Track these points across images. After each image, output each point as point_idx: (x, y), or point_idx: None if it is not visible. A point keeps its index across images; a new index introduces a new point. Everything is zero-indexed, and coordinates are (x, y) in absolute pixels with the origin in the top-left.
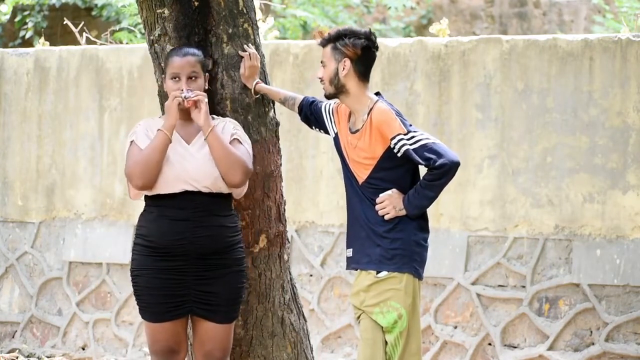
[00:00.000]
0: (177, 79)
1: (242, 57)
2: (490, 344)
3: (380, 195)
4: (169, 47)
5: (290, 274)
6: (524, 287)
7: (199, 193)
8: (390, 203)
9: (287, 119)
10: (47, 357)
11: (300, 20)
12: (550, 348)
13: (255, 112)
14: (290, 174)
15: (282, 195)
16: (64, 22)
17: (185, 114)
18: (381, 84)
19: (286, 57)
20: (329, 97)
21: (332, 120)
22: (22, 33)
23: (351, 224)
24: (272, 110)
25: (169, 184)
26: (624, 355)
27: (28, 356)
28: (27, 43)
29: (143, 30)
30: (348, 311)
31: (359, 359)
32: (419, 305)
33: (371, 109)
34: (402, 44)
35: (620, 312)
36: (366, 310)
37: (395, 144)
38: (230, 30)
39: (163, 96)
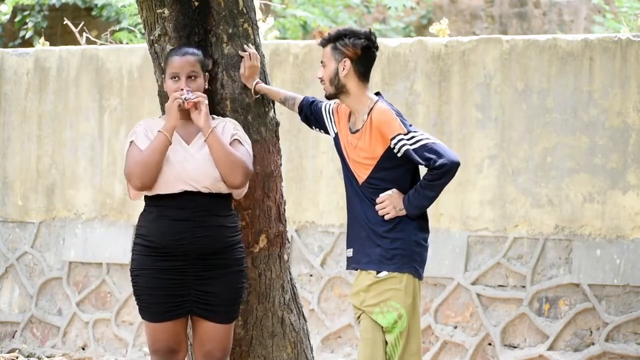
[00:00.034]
0: (176, 78)
1: (242, 57)
2: (490, 344)
3: (381, 195)
4: (169, 47)
5: (290, 274)
6: (524, 287)
7: (199, 193)
8: (390, 203)
9: (287, 119)
10: (47, 357)
11: (300, 20)
12: (550, 348)
13: (255, 112)
14: (290, 174)
15: (282, 195)
16: (64, 22)
17: (185, 114)
18: (381, 84)
19: (286, 57)
20: (329, 97)
21: (332, 120)
22: (22, 33)
23: (351, 224)
24: (272, 110)
25: (168, 185)
26: (624, 355)
27: (28, 356)
28: (27, 43)
29: (143, 30)
30: (348, 311)
31: (359, 359)
32: (419, 305)
33: (371, 109)
34: (402, 44)
35: (620, 312)
36: (366, 310)
37: (396, 144)
38: (230, 30)
39: (163, 96)
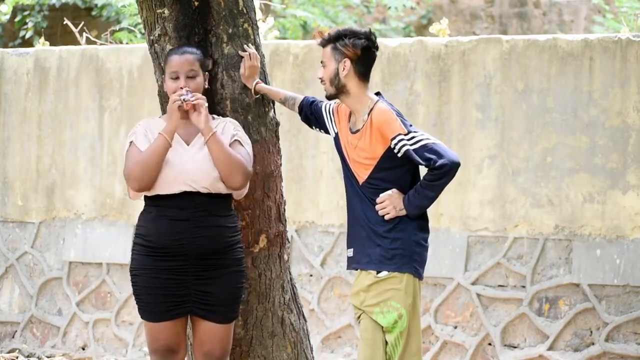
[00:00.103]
0: (176, 77)
1: (242, 57)
2: (490, 344)
3: (381, 195)
4: (169, 47)
5: (290, 274)
6: (524, 287)
7: (198, 193)
8: (390, 203)
9: (287, 119)
10: (47, 357)
11: (300, 20)
12: (550, 348)
13: (255, 112)
14: (290, 174)
15: (282, 195)
16: (64, 22)
17: (185, 114)
18: (381, 84)
19: (286, 57)
20: (329, 97)
21: (333, 120)
22: (22, 33)
23: (351, 224)
24: (272, 110)
25: (168, 185)
26: (624, 355)
27: (28, 356)
28: (27, 43)
29: (143, 30)
30: (348, 311)
31: (359, 359)
32: (419, 305)
33: (371, 109)
34: (402, 44)
35: (620, 312)
36: (366, 310)
37: (396, 144)
38: (230, 30)
39: (163, 96)
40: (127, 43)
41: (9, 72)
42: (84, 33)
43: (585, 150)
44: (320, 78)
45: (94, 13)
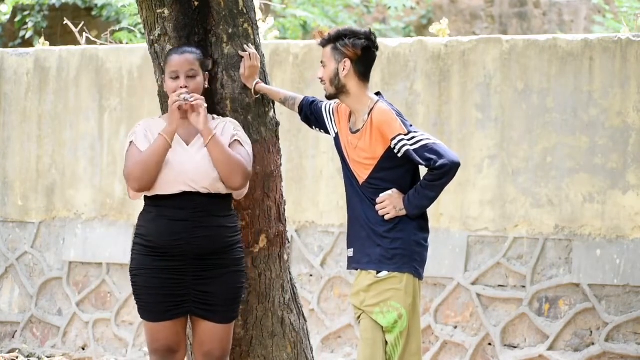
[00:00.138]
0: (176, 77)
1: (242, 57)
2: (490, 344)
3: (381, 195)
4: (169, 47)
5: (290, 274)
6: (524, 287)
7: (198, 194)
8: (390, 203)
9: (287, 119)
10: (47, 357)
11: (300, 20)
12: (550, 348)
13: (255, 112)
14: (290, 174)
15: (282, 195)
16: (64, 22)
17: (185, 114)
18: (381, 84)
19: (286, 57)
20: (329, 97)
21: (333, 120)
22: (22, 33)
23: (352, 224)
24: (272, 110)
25: (167, 185)
26: (624, 355)
27: (28, 356)
28: (27, 43)
29: (143, 30)
30: (348, 311)
31: (359, 359)
32: (419, 305)
33: (372, 109)
34: (402, 44)
35: (620, 312)
36: (366, 310)
37: (396, 144)
38: (230, 30)
39: (163, 96)
40: (127, 43)
41: (9, 72)
42: (84, 33)
43: (585, 150)
44: (320, 78)
45: (94, 13)
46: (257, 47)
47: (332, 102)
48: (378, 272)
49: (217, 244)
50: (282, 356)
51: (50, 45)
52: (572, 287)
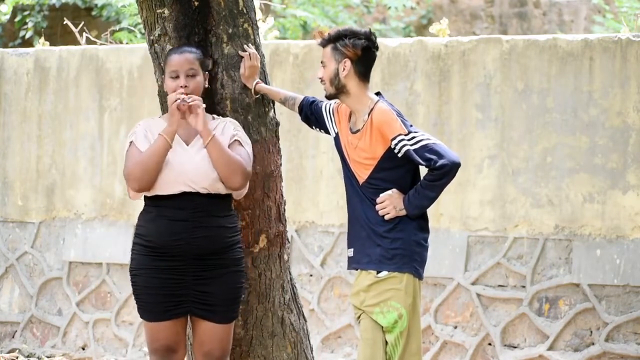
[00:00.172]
0: (176, 76)
1: (242, 57)
2: (490, 344)
3: (381, 195)
4: (169, 47)
5: (290, 274)
6: (524, 287)
7: (197, 194)
8: (390, 203)
9: (287, 119)
10: (47, 357)
11: (300, 20)
12: (550, 348)
13: (255, 112)
14: (290, 174)
15: (282, 195)
16: (64, 22)
17: (183, 114)
18: (381, 84)
19: (286, 57)
20: (329, 97)
21: (333, 120)
22: (22, 33)
23: (352, 224)
24: (272, 110)
25: (167, 185)
26: (624, 355)
27: (28, 356)
28: (27, 43)
29: (143, 30)
30: (348, 311)
31: (359, 359)
32: (419, 305)
33: (372, 109)
34: (402, 44)
35: (620, 312)
36: (366, 310)
37: (396, 144)
38: (230, 30)
39: (163, 96)
40: (127, 43)
41: (9, 72)
42: (84, 33)
43: (585, 150)
44: (320, 78)
45: (94, 13)
46: (257, 47)
47: (332, 102)
48: (378, 272)
49: (217, 244)
50: (282, 356)
51: (50, 45)
52: (572, 287)
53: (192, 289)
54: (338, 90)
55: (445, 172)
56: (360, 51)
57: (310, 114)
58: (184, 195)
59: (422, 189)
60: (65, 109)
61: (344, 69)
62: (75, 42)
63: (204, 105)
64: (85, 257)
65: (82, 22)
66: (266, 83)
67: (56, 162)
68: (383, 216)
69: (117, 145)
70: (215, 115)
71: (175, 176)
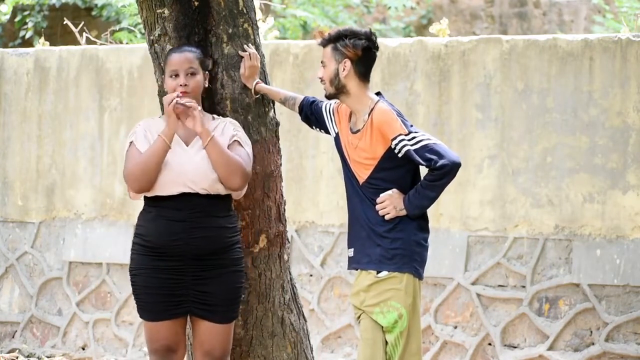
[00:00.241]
0: (175, 75)
1: (242, 57)
2: (490, 344)
3: (381, 195)
4: (169, 47)
5: (290, 274)
6: (524, 287)
7: (197, 195)
8: (390, 203)
9: (287, 119)
10: (47, 357)
11: (300, 20)
12: (550, 348)
13: (255, 112)
14: (290, 174)
15: (282, 195)
16: (64, 22)
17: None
18: (381, 84)
19: (286, 57)
20: (329, 97)
21: (333, 120)
22: (22, 33)
23: (352, 224)
24: (272, 110)
25: (167, 186)
26: (624, 355)
27: (28, 356)
28: (27, 43)
29: (143, 30)
30: (348, 311)
31: (359, 359)
32: (419, 305)
33: (372, 109)
34: (402, 44)
35: (620, 312)
36: (366, 310)
37: (396, 144)
38: (230, 30)
39: (163, 96)
40: (127, 43)
41: (9, 72)
42: (84, 33)
43: (585, 150)
44: (320, 78)
45: (94, 13)
46: (257, 47)
47: (332, 102)
48: (378, 272)
49: (216, 245)
50: (282, 356)
51: (50, 45)
52: (572, 287)
53: (191, 289)
54: (338, 90)
55: (445, 172)
56: (361, 51)
57: (311, 114)
58: (183, 195)
59: (423, 189)
60: (65, 109)
61: (344, 69)
62: (75, 42)
63: (200, 108)
64: (85, 257)
65: (82, 22)
66: (266, 83)
67: (56, 162)
68: (383, 216)
69: (117, 145)
70: (215, 115)
71: (175, 177)
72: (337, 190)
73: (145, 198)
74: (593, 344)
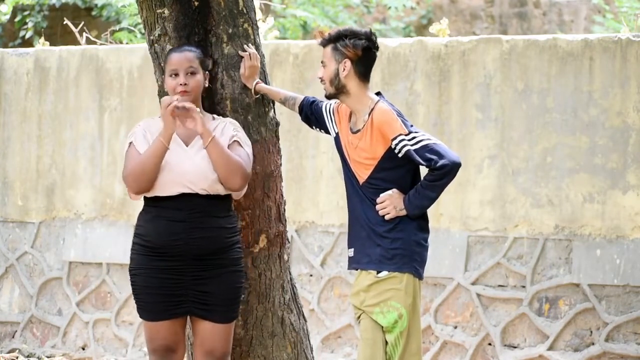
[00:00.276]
0: (175, 75)
1: (242, 57)
2: (490, 344)
3: (381, 195)
4: (169, 47)
5: (290, 274)
6: (524, 287)
7: (196, 195)
8: (390, 203)
9: (287, 119)
10: (47, 357)
11: (300, 20)
12: (550, 348)
13: (255, 112)
14: (290, 174)
15: (282, 195)
16: (64, 22)
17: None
18: (381, 84)
19: (286, 57)
20: (329, 97)
21: (333, 120)
22: (22, 33)
23: (352, 224)
24: (272, 110)
25: (166, 187)
26: (624, 355)
27: (28, 356)
28: (27, 43)
29: (143, 30)
30: (348, 311)
31: (359, 359)
32: (419, 305)
33: (372, 109)
34: (402, 44)
35: (620, 312)
36: (366, 310)
37: (397, 144)
38: (230, 30)
39: (163, 96)
40: (127, 43)
41: (9, 72)
42: (84, 33)
43: (585, 150)
44: (320, 78)
45: (94, 13)
46: (257, 47)
47: (332, 102)
48: (378, 272)
49: (216, 245)
50: (282, 356)
51: (50, 45)
52: (572, 287)
53: (191, 289)
54: (338, 90)
55: (445, 172)
56: (361, 51)
57: (311, 114)
58: (183, 196)
59: (423, 189)
60: (65, 109)
61: (344, 69)
62: (75, 42)
63: (198, 109)
64: (85, 257)
65: (82, 22)
66: (266, 83)
67: (56, 162)
68: (383, 216)
69: (117, 145)
70: (215, 115)
71: (174, 177)
72: (337, 190)
73: (145, 198)
74: (593, 344)
